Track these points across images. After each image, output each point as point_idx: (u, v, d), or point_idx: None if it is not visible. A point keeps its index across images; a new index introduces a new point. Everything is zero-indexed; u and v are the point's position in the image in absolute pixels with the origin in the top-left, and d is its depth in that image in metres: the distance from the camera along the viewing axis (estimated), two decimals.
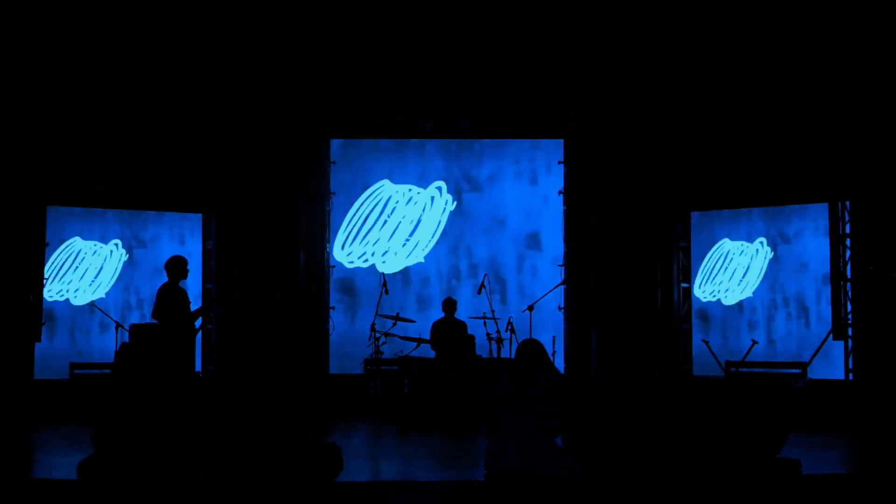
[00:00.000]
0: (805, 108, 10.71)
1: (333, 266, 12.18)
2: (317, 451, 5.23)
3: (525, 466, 5.53)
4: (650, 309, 11.61)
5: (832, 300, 10.79)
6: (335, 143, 12.27)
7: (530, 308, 10.88)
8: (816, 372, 10.64)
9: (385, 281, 11.27)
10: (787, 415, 6.21)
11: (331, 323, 12.09)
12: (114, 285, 11.58)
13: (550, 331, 11.55)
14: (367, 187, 12.23)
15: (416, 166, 12.25)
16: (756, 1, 9.68)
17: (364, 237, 12.16)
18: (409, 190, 12.16)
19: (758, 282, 11.45)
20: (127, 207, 11.61)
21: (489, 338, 10.80)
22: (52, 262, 11.22)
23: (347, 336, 12.07)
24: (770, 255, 11.39)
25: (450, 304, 11.23)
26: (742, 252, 11.60)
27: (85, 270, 11.44)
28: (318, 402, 11.16)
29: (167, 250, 11.22)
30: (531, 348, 5.96)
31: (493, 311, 10.89)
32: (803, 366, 10.72)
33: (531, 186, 12.20)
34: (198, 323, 9.82)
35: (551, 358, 10.34)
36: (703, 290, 11.83)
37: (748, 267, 11.52)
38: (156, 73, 10.76)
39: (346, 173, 12.26)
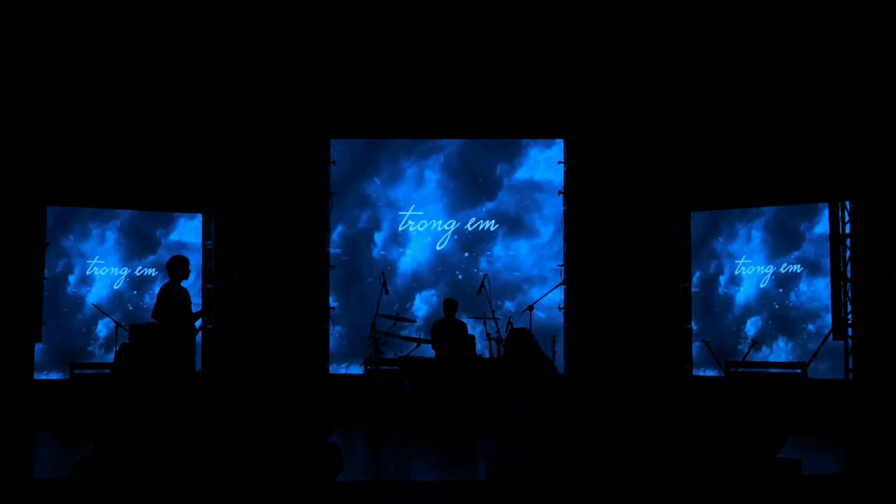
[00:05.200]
0: (805, 108, 10.71)
1: (333, 266, 12.18)
2: (317, 451, 5.23)
3: (529, 467, 5.51)
4: (650, 309, 11.61)
5: (832, 300, 10.79)
6: (335, 143, 12.28)
7: (530, 308, 10.89)
8: None
9: (385, 281, 11.27)
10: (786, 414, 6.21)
11: (330, 323, 12.11)
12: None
13: (550, 331, 11.55)
14: (367, 187, 12.24)
15: (416, 166, 12.26)
16: (756, 2, 9.68)
17: None
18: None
19: None
20: (127, 207, 11.61)
21: (489, 338, 10.80)
22: None
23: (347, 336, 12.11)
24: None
25: (451, 305, 11.23)
26: None
27: None
28: (318, 402, 11.17)
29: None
30: (519, 339, 5.88)
31: (493, 311, 10.89)
32: (803, 366, 10.73)
33: (531, 186, 12.19)
34: (198, 323, 9.84)
35: (551, 357, 10.41)
36: None
37: None
38: (156, 74, 10.76)
39: (346, 173, 12.28)
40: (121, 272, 11.60)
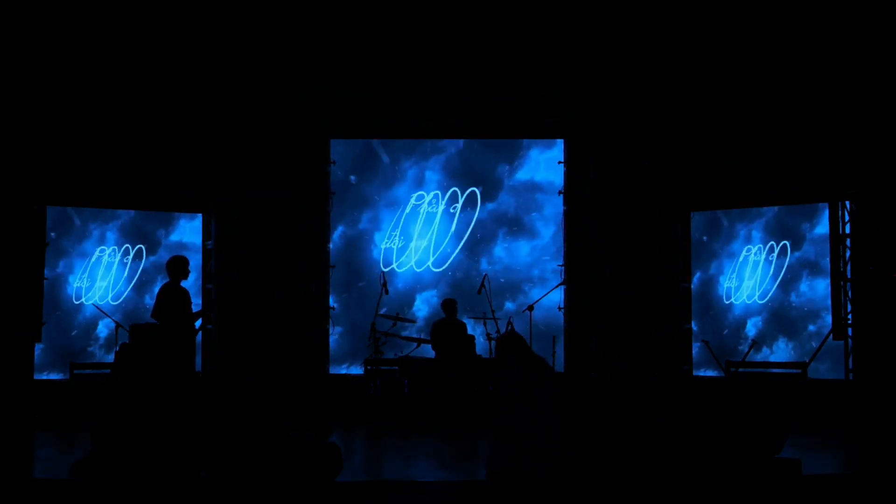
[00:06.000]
0: (805, 108, 10.71)
1: (333, 266, 12.18)
2: (317, 451, 5.23)
3: (529, 467, 5.52)
4: (650, 309, 11.61)
5: (832, 300, 10.80)
6: (335, 143, 12.27)
7: (530, 308, 10.89)
8: None
9: (385, 281, 11.26)
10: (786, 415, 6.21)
11: (330, 323, 12.10)
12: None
13: (550, 331, 11.55)
14: (367, 187, 12.25)
15: (417, 166, 12.26)
16: (755, 2, 9.68)
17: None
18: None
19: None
20: (127, 207, 11.61)
21: (489, 338, 10.80)
22: None
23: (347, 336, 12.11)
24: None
25: (450, 305, 11.23)
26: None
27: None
28: (318, 402, 11.17)
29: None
30: (515, 340, 5.90)
31: (493, 311, 10.89)
32: (803, 366, 10.72)
33: (531, 186, 12.18)
34: (198, 323, 9.84)
35: (551, 360, 10.42)
36: None
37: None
38: (156, 74, 10.76)
39: (346, 173, 12.28)
40: (121, 272, 11.61)
